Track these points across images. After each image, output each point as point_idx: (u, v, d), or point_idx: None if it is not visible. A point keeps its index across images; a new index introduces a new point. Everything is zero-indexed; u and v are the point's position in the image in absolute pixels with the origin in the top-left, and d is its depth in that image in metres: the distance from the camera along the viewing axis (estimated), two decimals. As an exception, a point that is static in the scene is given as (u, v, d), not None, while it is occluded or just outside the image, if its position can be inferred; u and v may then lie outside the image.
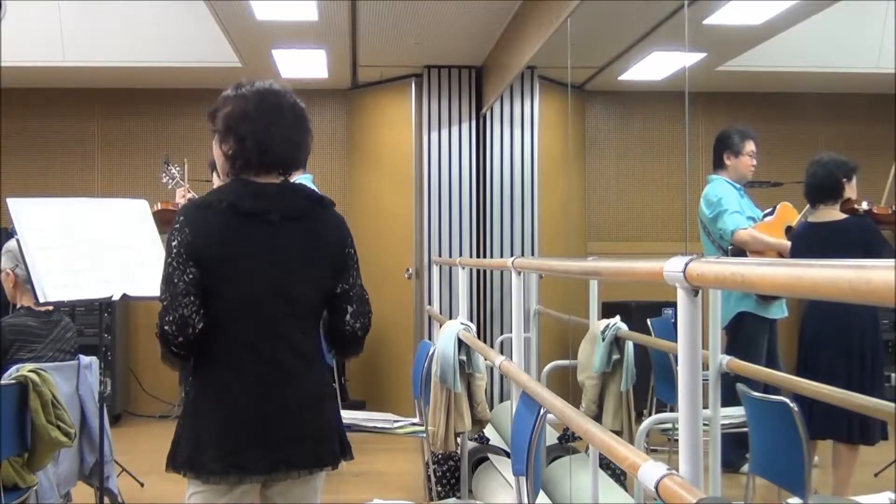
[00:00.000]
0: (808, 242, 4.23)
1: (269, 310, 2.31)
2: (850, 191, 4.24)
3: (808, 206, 4.36)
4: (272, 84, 2.39)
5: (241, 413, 2.28)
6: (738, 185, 4.71)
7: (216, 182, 4.85)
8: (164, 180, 5.26)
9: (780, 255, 4.45)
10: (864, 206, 4.22)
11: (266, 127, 2.32)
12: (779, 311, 4.65)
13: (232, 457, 2.26)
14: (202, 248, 2.27)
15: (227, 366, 2.30)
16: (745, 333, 4.54)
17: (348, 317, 2.43)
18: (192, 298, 2.25)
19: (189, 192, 4.76)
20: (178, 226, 2.29)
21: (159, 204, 4.94)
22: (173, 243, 2.28)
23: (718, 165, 4.75)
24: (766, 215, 4.67)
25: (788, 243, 4.41)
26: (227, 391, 2.29)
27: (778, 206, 4.64)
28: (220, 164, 2.39)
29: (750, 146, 4.72)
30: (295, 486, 2.38)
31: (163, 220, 4.59)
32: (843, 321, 4.11)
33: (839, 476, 4.13)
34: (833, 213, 4.21)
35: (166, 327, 2.25)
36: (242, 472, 2.28)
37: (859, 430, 4.03)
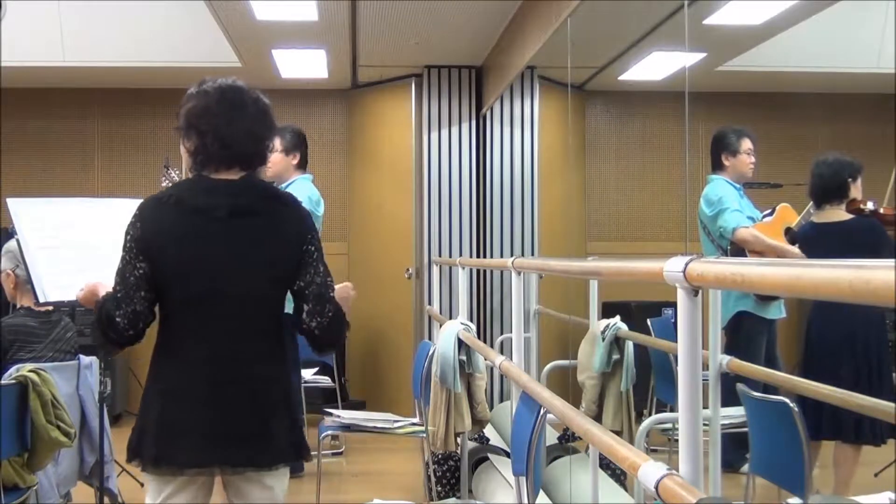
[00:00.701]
0: (814, 243, 4.23)
1: (219, 306, 2.33)
2: (856, 191, 4.24)
3: (808, 206, 4.36)
4: (235, 80, 2.42)
5: (182, 407, 2.31)
6: (738, 185, 4.71)
7: None
8: (164, 184, 5.20)
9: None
10: (870, 206, 4.20)
11: (227, 122, 2.34)
12: (777, 312, 4.65)
13: (166, 448, 2.30)
14: (151, 243, 2.31)
15: (176, 359, 2.34)
16: (744, 333, 4.53)
17: (304, 315, 2.41)
18: (143, 294, 2.29)
19: None
20: (132, 220, 2.34)
21: None
22: (127, 237, 2.33)
23: (717, 166, 4.74)
24: (765, 216, 4.67)
25: (791, 248, 4.38)
26: (172, 384, 2.33)
27: (777, 208, 4.63)
28: (185, 161, 2.42)
29: (747, 144, 4.71)
30: (244, 483, 2.39)
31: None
32: (848, 322, 4.10)
33: (840, 476, 4.13)
34: (838, 214, 4.20)
35: (118, 319, 2.28)
36: (174, 465, 2.31)
37: (867, 430, 4.03)
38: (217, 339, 2.33)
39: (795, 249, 4.35)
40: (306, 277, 2.40)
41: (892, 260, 0.91)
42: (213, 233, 2.32)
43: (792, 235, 4.51)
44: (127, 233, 2.34)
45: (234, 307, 2.34)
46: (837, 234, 4.16)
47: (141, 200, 3.78)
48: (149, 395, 2.37)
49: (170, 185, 5.11)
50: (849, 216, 4.18)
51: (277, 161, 5.08)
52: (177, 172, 5.17)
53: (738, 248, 4.47)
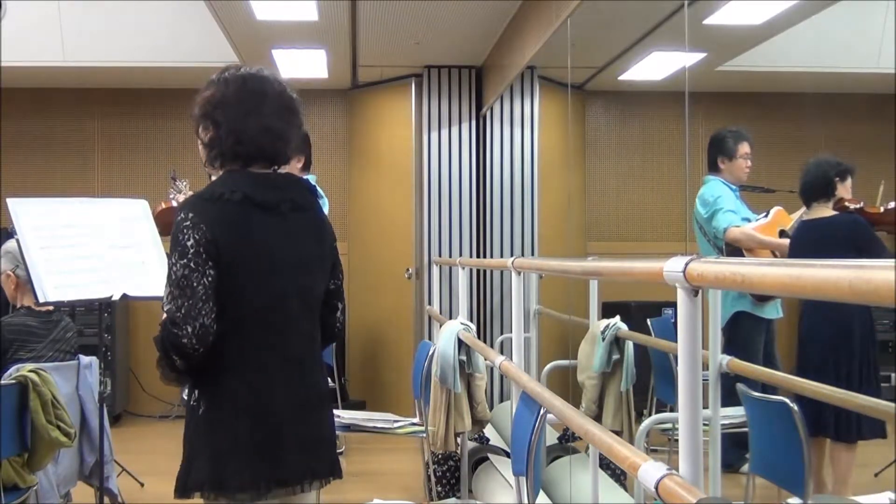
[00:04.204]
0: (802, 240, 4.28)
1: (291, 307, 2.18)
2: (845, 191, 4.29)
3: (802, 208, 4.39)
4: (260, 70, 2.24)
5: (274, 417, 2.13)
6: (734, 187, 4.71)
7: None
8: (171, 196, 5.15)
9: (774, 254, 4.46)
10: (857, 206, 4.26)
11: (243, 115, 2.15)
12: (774, 312, 4.65)
13: (267, 469, 2.12)
14: (223, 245, 2.08)
15: (253, 372, 2.13)
16: (742, 333, 4.53)
17: (339, 314, 2.37)
18: (211, 304, 2.06)
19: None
20: (188, 223, 2.08)
21: (163, 203, 4.84)
22: (188, 242, 2.06)
23: (713, 168, 4.74)
24: (759, 218, 4.67)
25: (783, 241, 4.41)
26: (255, 399, 2.12)
27: (772, 210, 4.63)
28: (200, 152, 2.24)
29: (744, 148, 4.71)
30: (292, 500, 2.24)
31: (165, 221, 4.55)
32: (837, 318, 4.13)
33: (837, 474, 4.14)
34: (826, 211, 4.26)
35: (185, 340, 2.04)
36: (279, 484, 2.14)
37: (854, 428, 4.04)
38: (290, 345, 2.18)
39: (785, 241, 4.37)
40: (340, 276, 2.36)
41: (892, 260, 0.91)
42: (279, 230, 2.16)
43: (786, 236, 4.52)
44: (184, 239, 2.07)
45: (302, 308, 2.21)
46: (821, 228, 4.22)
47: (143, 201, 3.80)
48: (220, 416, 2.12)
49: (177, 194, 5.06)
50: (834, 213, 4.24)
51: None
52: (185, 184, 5.12)
53: (733, 249, 4.48)
